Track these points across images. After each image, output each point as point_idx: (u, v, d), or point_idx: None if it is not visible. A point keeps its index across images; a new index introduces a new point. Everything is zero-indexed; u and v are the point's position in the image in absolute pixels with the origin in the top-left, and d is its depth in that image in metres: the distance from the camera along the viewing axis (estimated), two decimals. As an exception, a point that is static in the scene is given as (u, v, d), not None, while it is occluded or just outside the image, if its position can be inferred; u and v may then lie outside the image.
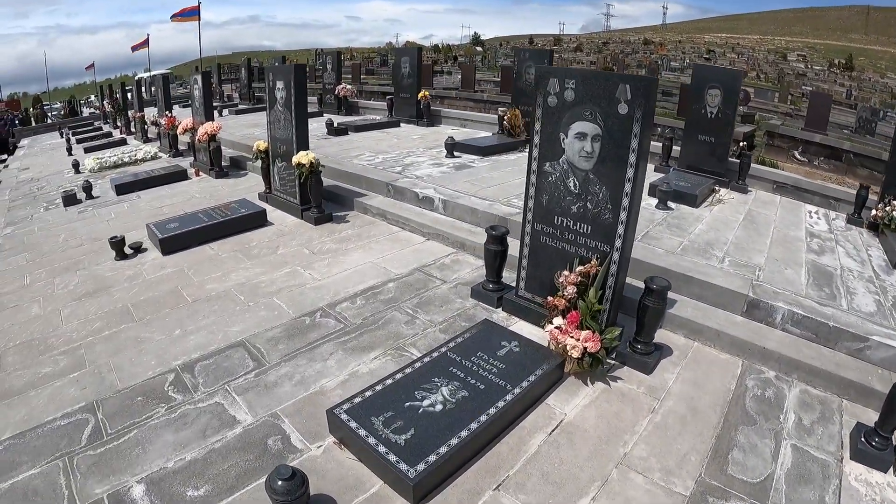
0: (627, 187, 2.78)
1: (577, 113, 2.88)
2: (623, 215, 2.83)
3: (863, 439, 2.35)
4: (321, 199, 5.27)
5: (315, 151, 5.15)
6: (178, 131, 7.85)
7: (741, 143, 6.35)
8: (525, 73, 8.46)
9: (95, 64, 35.75)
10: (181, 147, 9.17)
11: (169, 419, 2.57)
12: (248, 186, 6.83)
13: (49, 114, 24.70)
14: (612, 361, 2.98)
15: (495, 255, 3.52)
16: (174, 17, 22.74)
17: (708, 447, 2.39)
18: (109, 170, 8.66)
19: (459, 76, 19.16)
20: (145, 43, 28.32)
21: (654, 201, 5.18)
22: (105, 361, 3.10)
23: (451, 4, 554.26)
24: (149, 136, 11.15)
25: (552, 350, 2.84)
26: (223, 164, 7.43)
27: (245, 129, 9.86)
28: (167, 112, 9.07)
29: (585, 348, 2.67)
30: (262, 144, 5.72)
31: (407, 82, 9.90)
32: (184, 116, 8.23)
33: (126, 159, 8.95)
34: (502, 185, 5.72)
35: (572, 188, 3.02)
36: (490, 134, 8.74)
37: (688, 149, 6.46)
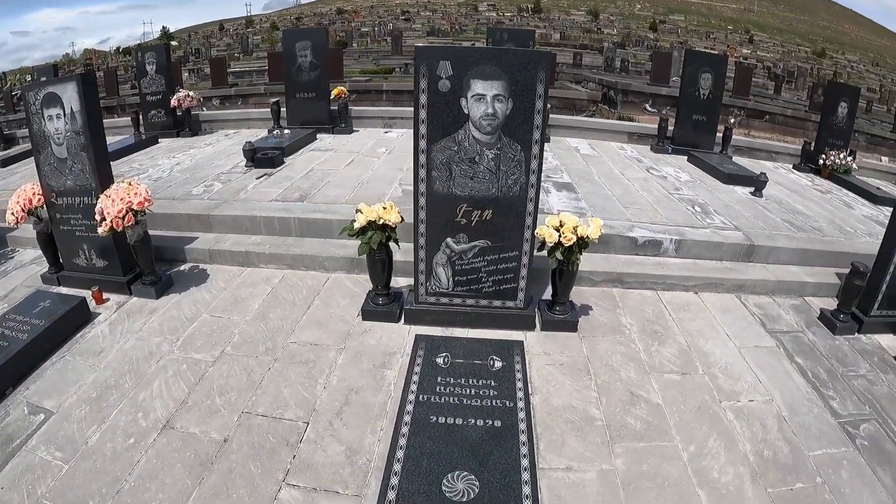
0: None
1: None
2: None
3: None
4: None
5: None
6: (13, 217, 3.56)
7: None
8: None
9: None
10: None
11: None
12: (284, 327, 3.10)
13: None
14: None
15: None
16: None
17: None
18: None
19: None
20: None
21: None
22: None
23: (126, 2, 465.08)
24: None
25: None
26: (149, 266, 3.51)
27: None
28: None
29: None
30: (394, 217, 2.47)
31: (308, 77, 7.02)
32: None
33: None
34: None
35: None
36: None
37: (683, 127, 7.00)
